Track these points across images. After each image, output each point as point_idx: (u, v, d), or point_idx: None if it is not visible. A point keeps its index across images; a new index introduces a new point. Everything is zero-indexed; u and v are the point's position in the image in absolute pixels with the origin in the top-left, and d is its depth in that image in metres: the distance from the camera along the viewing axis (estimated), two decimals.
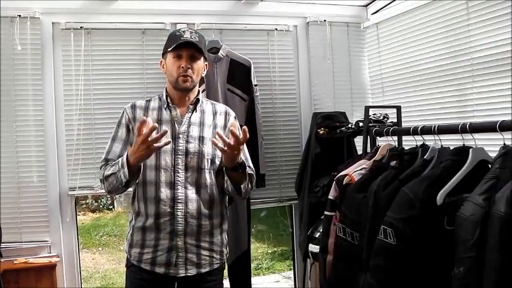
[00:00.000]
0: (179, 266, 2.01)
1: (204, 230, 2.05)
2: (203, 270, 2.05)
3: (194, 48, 2.04)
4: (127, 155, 1.91)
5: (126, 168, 1.90)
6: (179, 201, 2.01)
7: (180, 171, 2.02)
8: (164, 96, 2.12)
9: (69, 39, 3.07)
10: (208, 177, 2.07)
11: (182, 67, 2.03)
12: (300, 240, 3.26)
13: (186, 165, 2.03)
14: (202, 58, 2.10)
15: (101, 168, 2.08)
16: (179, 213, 2.00)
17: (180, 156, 2.03)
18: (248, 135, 1.89)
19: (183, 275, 2.01)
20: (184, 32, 2.06)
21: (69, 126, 3.07)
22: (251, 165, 2.16)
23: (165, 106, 2.10)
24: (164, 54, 2.12)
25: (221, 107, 2.23)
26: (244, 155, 2.12)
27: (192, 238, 2.02)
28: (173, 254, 2.00)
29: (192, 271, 2.03)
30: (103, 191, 2.13)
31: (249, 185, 2.10)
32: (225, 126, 2.15)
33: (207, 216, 2.06)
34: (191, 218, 2.02)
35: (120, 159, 1.96)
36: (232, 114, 2.23)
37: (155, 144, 1.83)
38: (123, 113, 2.13)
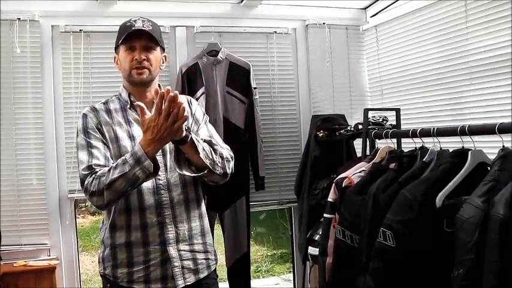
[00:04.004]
0: (177, 277, 1.82)
1: (195, 232, 1.90)
2: (202, 276, 1.90)
3: (148, 38, 1.85)
4: (141, 147, 1.65)
5: (148, 161, 1.64)
6: (165, 206, 1.83)
7: (160, 173, 1.80)
8: (126, 95, 1.93)
9: (69, 42, 3.07)
10: None
11: (136, 59, 1.84)
12: (300, 242, 3.26)
13: (166, 166, 1.85)
14: (159, 48, 1.90)
15: (85, 180, 1.73)
16: (167, 220, 1.83)
17: (158, 157, 1.76)
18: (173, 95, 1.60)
19: (183, 285, 1.83)
20: (135, 21, 1.88)
21: (68, 129, 3.06)
22: (220, 141, 1.94)
23: (129, 106, 1.91)
24: (117, 48, 1.93)
25: (182, 98, 1.89)
26: (209, 132, 1.96)
27: (185, 243, 1.86)
28: (168, 266, 1.82)
29: (191, 279, 1.86)
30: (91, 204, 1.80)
31: (213, 154, 1.80)
32: (191, 113, 1.97)
33: (197, 216, 1.92)
34: (180, 222, 1.86)
35: (126, 156, 1.69)
36: (194, 101, 2.06)
37: (178, 123, 1.61)
38: (85, 117, 1.86)
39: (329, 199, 2.32)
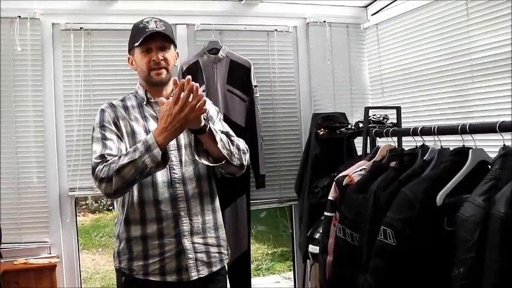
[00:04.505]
0: (191, 269, 1.87)
1: (208, 225, 1.94)
2: (215, 269, 1.95)
3: (163, 38, 1.89)
4: (152, 135, 1.69)
5: (157, 149, 1.67)
6: (180, 199, 1.88)
7: (175, 167, 1.88)
8: (143, 93, 1.98)
9: (69, 40, 3.07)
10: (206, 168, 1.94)
11: (154, 60, 1.88)
12: (300, 241, 3.26)
13: (181, 160, 1.90)
14: (172, 47, 1.95)
15: (96, 167, 1.78)
16: (182, 213, 1.87)
17: (172, 152, 1.87)
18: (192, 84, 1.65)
19: (196, 277, 1.88)
20: (148, 22, 1.90)
21: (69, 127, 3.07)
22: (233, 135, 1.99)
23: (145, 102, 1.97)
24: (131, 50, 1.96)
25: None
26: (224, 128, 2.01)
27: (199, 236, 1.90)
28: (183, 257, 1.87)
29: (204, 272, 1.91)
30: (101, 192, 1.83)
31: (230, 145, 1.87)
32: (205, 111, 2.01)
33: (211, 210, 1.97)
34: (195, 215, 1.90)
35: (138, 144, 1.73)
36: (208, 100, 2.03)
37: (194, 113, 1.65)
38: (102, 112, 1.93)
39: (329, 197, 2.32)
